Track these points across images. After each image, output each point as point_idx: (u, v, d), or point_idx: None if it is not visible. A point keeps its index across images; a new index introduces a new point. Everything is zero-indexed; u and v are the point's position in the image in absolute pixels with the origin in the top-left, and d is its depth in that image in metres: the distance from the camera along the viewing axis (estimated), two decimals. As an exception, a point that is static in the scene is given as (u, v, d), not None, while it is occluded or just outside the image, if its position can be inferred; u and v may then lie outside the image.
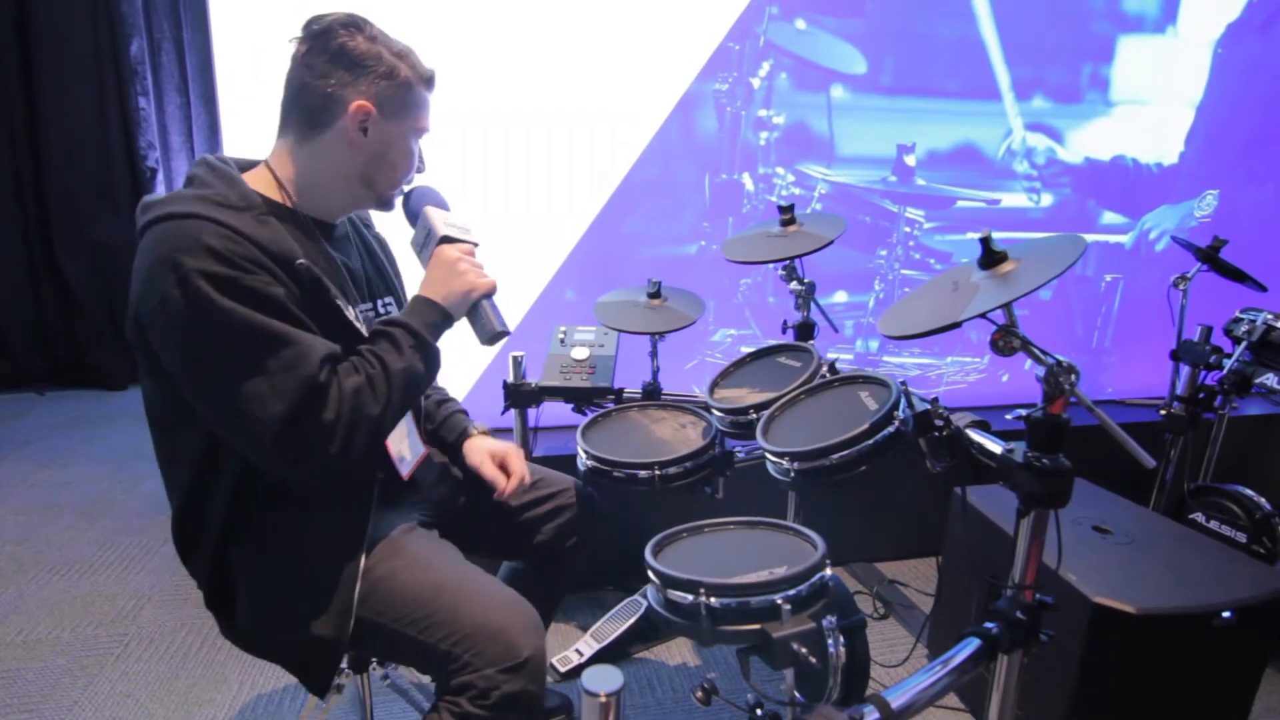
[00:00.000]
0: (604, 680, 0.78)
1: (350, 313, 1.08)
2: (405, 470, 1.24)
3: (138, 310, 0.97)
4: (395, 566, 1.11)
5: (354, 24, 1.05)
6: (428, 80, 1.12)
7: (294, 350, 0.95)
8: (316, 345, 0.97)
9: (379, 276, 1.26)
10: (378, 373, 1.01)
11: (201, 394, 0.97)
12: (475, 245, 1.15)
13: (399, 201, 1.18)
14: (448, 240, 1.12)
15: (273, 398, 0.93)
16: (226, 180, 1.02)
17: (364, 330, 1.09)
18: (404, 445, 1.24)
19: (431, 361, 1.08)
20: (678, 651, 1.95)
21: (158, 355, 0.98)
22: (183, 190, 1.01)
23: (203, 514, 1.09)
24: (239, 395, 0.93)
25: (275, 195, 1.08)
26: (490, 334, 1.11)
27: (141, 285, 0.95)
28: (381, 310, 1.22)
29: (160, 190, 3.87)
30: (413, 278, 1.24)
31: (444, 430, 1.40)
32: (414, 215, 1.17)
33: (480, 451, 1.35)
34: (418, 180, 1.19)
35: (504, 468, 1.34)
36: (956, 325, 0.92)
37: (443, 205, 1.19)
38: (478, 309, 1.11)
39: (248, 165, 1.11)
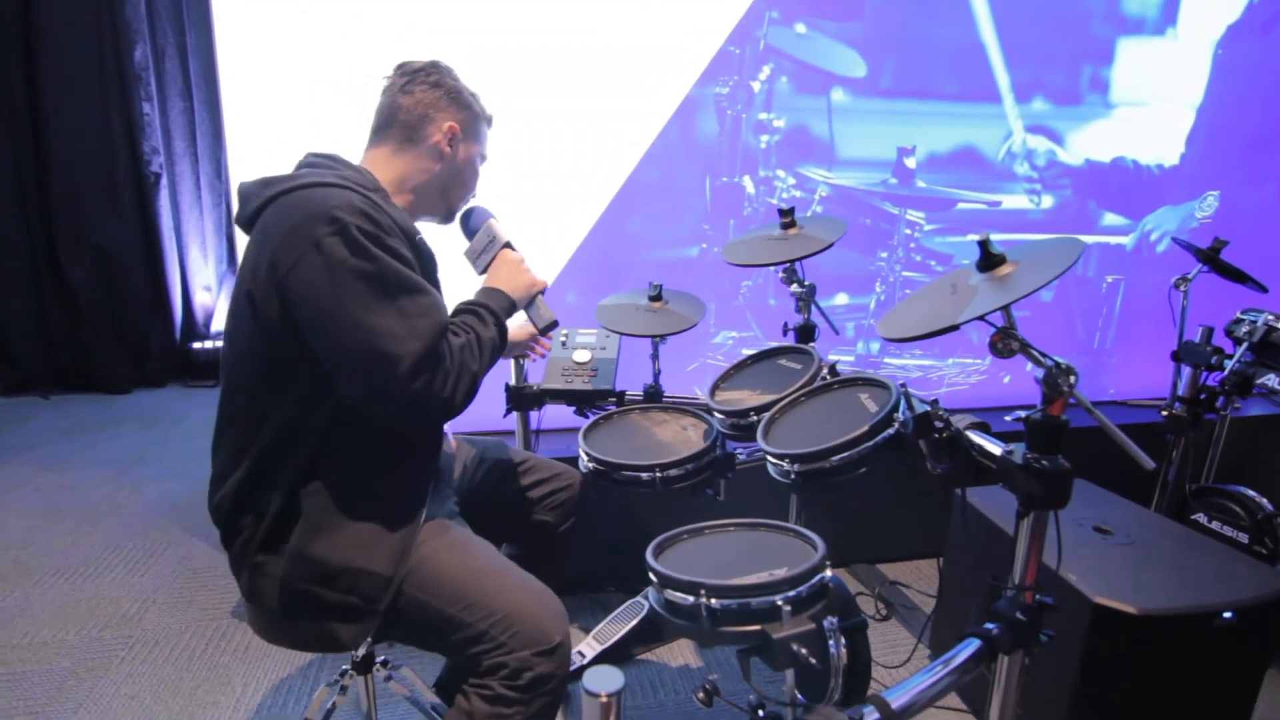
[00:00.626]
0: (604, 681, 0.79)
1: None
2: (449, 438, 1.41)
3: (274, 263, 1.05)
4: (439, 546, 1.19)
5: (443, 68, 1.30)
6: (490, 119, 1.38)
7: (430, 299, 1.10)
8: (435, 300, 1.13)
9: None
10: (473, 338, 1.17)
11: (338, 338, 1.05)
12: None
13: (459, 216, 1.39)
14: (509, 246, 1.34)
15: (410, 337, 1.05)
16: (349, 167, 1.21)
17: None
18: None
19: (504, 338, 1.24)
20: (680, 653, 1.96)
21: (274, 315, 1.07)
22: (307, 170, 1.17)
23: (287, 456, 1.14)
24: (379, 334, 1.04)
25: (392, 212, 1.22)
26: (547, 322, 1.33)
27: (281, 242, 1.05)
28: None
29: (165, 195, 3.89)
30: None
31: None
32: (472, 229, 1.36)
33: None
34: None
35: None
36: (955, 328, 0.93)
37: (489, 217, 1.39)
38: (534, 302, 1.33)
39: (345, 165, 1.25)
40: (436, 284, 1.23)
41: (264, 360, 1.12)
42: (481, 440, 1.59)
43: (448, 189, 1.32)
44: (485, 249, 1.35)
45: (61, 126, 3.72)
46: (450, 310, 1.21)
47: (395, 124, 1.27)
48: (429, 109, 1.26)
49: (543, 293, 1.35)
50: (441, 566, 1.17)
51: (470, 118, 1.31)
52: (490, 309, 1.24)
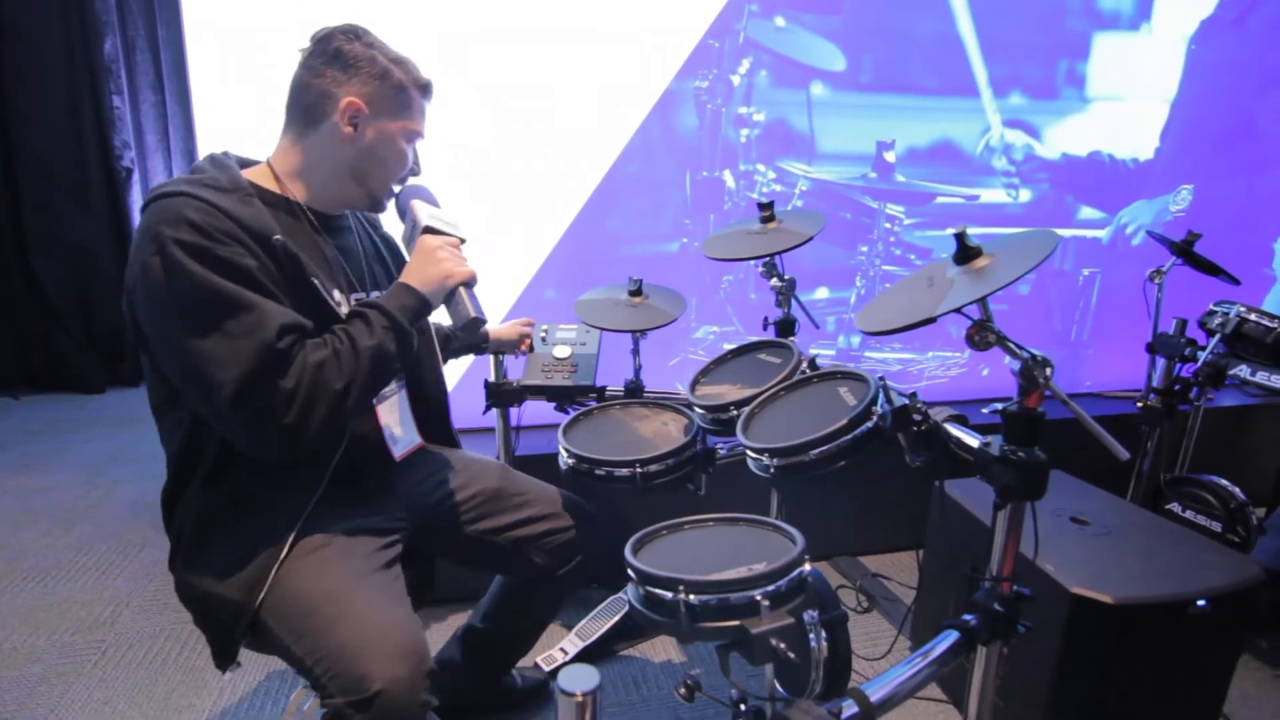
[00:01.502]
0: (580, 680, 0.78)
1: (332, 294, 1.13)
2: (398, 451, 1.27)
3: (127, 284, 1.03)
4: (301, 567, 1.09)
5: (352, 31, 1.14)
6: (423, 87, 1.19)
7: (254, 316, 0.98)
8: (276, 313, 1.00)
9: (382, 271, 1.32)
10: (345, 349, 1.04)
11: (168, 357, 1.02)
12: (462, 240, 1.19)
13: (391, 204, 1.25)
14: (430, 231, 1.16)
15: (231, 361, 0.96)
16: (220, 167, 1.11)
17: (343, 312, 1.14)
18: (396, 424, 1.28)
19: (404, 343, 1.09)
20: (662, 649, 1.95)
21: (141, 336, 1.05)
22: (180, 176, 1.10)
23: (188, 471, 1.12)
24: (200, 357, 0.97)
25: (272, 186, 1.16)
26: (463, 319, 1.13)
27: (130, 260, 1.02)
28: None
29: (136, 190, 3.82)
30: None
31: (463, 337, 1.56)
32: (403, 211, 1.22)
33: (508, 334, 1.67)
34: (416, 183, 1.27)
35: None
36: (931, 321, 0.93)
37: (433, 202, 1.23)
38: (454, 296, 1.14)
39: (251, 163, 1.20)
40: (307, 289, 1.08)
41: (155, 376, 1.09)
42: (479, 461, 1.44)
43: (362, 174, 1.17)
44: (410, 236, 1.20)
45: (30, 121, 3.64)
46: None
47: (295, 106, 1.14)
48: (328, 84, 1.11)
49: (469, 284, 1.15)
50: (291, 591, 1.07)
51: (383, 90, 1.13)
52: (384, 310, 1.08)
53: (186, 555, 1.13)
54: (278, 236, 1.05)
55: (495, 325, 1.75)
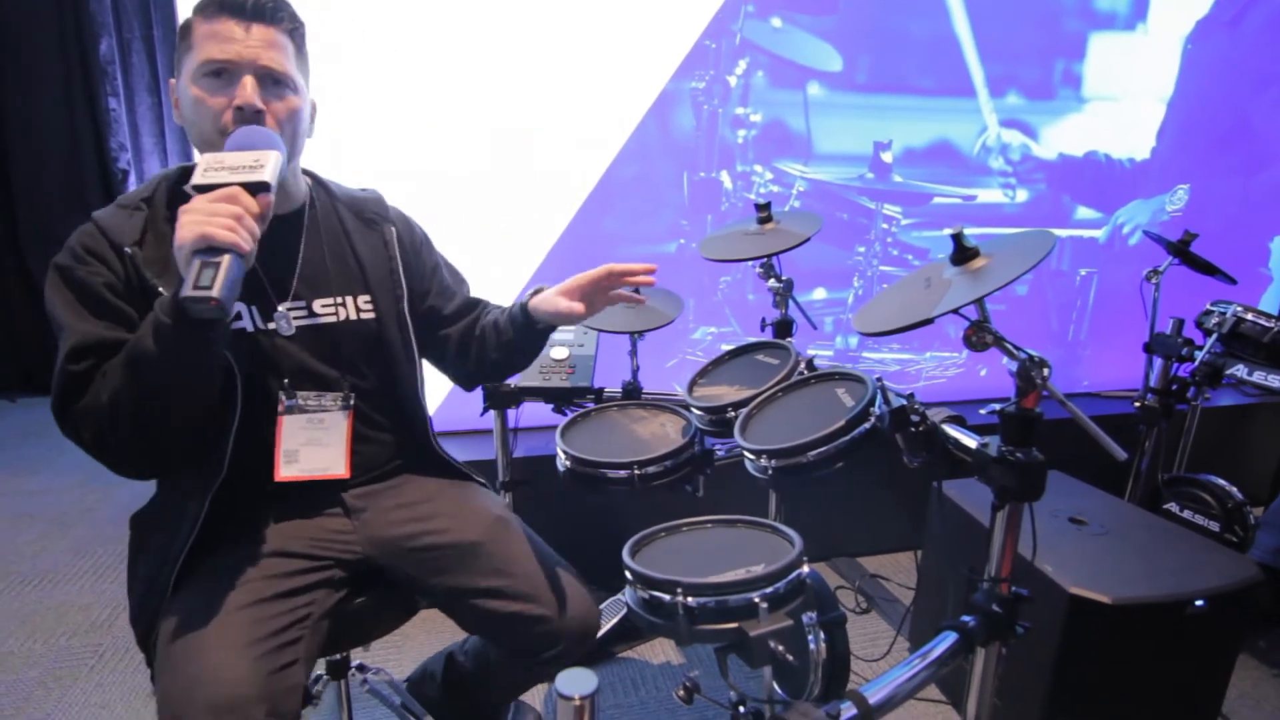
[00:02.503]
0: (578, 683, 0.78)
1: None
2: (285, 472, 1.12)
3: None
4: (181, 592, 1.03)
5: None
6: (207, 6, 0.99)
7: (64, 339, 0.97)
8: (75, 335, 0.96)
9: (341, 273, 1.17)
10: (118, 358, 0.93)
11: None
12: (250, 186, 0.90)
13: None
14: (200, 190, 0.89)
15: (54, 379, 0.97)
16: (148, 181, 1.09)
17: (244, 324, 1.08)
18: (306, 447, 1.13)
19: (161, 337, 0.89)
20: (661, 651, 1.95)
21: None
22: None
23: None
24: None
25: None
26: (187, 295, 0.83)
27: None
28: (318, 310, 1.14)
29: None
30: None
31: (510, 326, 1.24)
32: None
33: (549, 300, 1.19)
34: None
35: (580, 291, 1.18)
36: (929, 322, 0.93)
37: (252, 146, 0.94)
38: (191, 266, 0.84)
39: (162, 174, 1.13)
40: (151, 297, 0.97)
41: None
42: (471, 507, 1.23)
43: (196, 145, 1.03)
44: None
45: (25, 123, 3.63)
46: None
47: None
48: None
49: (210, 252, 0.84)
50: (170, 618, 1.00)
51: (179, 49, 1.02)
52: (155, 306, 0.91)
53: (128, 582, 1.11)
54: (128, 248, 1.00)
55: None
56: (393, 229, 1.24)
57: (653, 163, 2.26)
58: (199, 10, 1.00)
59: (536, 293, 1.25)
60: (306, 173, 1.21)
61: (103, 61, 3.63)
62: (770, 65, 2.26)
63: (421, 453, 1.28)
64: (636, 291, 1.27)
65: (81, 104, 3.66)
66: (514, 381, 1.79)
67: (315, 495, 1.16)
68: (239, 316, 1.08)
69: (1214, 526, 2.05)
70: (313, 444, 1.14)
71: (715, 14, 2.18)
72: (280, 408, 1.12)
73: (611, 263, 1.17)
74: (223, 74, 0.99)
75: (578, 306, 1.17)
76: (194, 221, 0.85)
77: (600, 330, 1.73)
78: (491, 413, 1.85)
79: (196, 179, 0.89)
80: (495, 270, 2.19)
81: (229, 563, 1.06)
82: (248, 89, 0.98)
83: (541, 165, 2.17)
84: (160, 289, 0.99)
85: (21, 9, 3.50)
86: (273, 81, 1.01)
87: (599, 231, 2.27)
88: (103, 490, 2.79)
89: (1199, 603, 1.37)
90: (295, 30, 1.06)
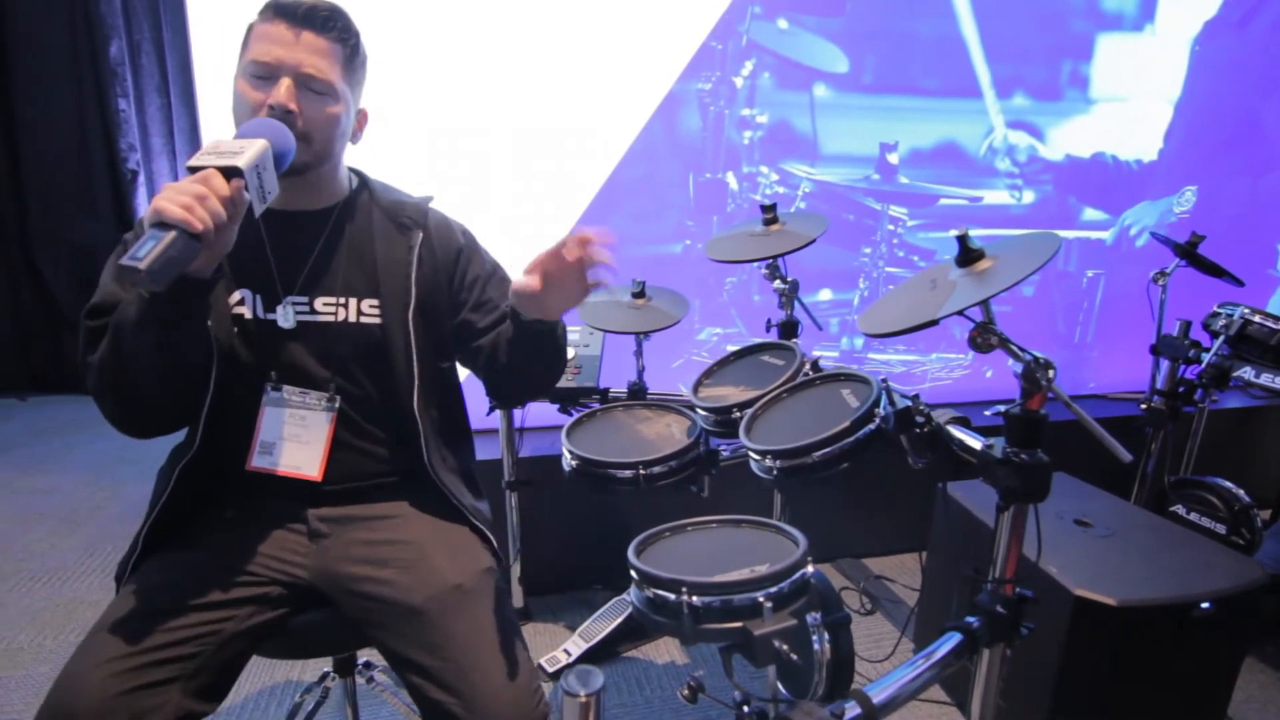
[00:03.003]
0: (584, 680, 0.78)
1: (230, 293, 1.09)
2: (255, 463, 1.11)
3: None
4: (136, 577, 1.05)
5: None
6: (267, 8, 1.04)
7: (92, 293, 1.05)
8: (101, 292, 1.05)
9: (352, 275, 1.15)
10: (110, 320, 1.01)
11: None
12: (227, 170, 0.91)
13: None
14: (190, 171, 0.91)
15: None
16: None
17: (240, 312, 1.11)
18: (281, 441, 1.11)
19: (141, 308, 0.93)
20: (665, 650, 1.96)
21: None
22: None
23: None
24: None
25: None
26: (120, 262, 0.83)
27: None
28: (319, 308, 1.13)
29: (142, 192, 3.84)
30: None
31: (511, 327, 1.17)
32: None
33: (517, 283, 1.10)
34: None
35: (535, 271, 1.09)
36: (934, 323, 0.93)
37: (254, 135, 0.96)
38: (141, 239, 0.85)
39: None
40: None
41: None
42: (436, 569, 1.09)
43: None
44: None
45: (36, 124, 3.66)
46: None
47: None
48: None
49: (163, 227, 0.85)
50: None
51: (242, 47, 1.07)
52: None
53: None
54: None
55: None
56: (419, 235, 1.18)
57: (659, 164, 2.26)
58: (260, 12, 1.05)
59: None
60: (355, 172, 1.22)
61: (113, 63, 3.65)
62: (776, 66, 2.26)
63: (413, 475, 1.17)
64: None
65: (92, 105, 3.69)
66: (520, 381, 1.80)
67: (282, 503, 1.12)
68: (240, 301, 1.10)
69: (1220, 529, 2.04)
70: (291, 440, 1.12)
71: (722, 15, 2.18)
72: (264, 398, 1.12)
73: (567, 238, 1.04)
74: (267, 74, 1.02)
75: (533, 281, 1.07)
76: (161, 197, 0.87)
77: (606, 331, 1.74)
78: (498, 413, 1.86)
79: (191, 160, 0.92)
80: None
81: (172, 556, 1.08)
82: (281, 90, 1.02)
83: (548, 166, 2.18)
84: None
85: (33, 11, 3.53)
86: (311, 87, 1.04)
87: (605, 232, 2.27)
88: (112, 488, 2.81)
89: (1205, 605, 1.37)
90: (347, 40, 1.07)
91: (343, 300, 1.14)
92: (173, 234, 0.85)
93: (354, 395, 1.15)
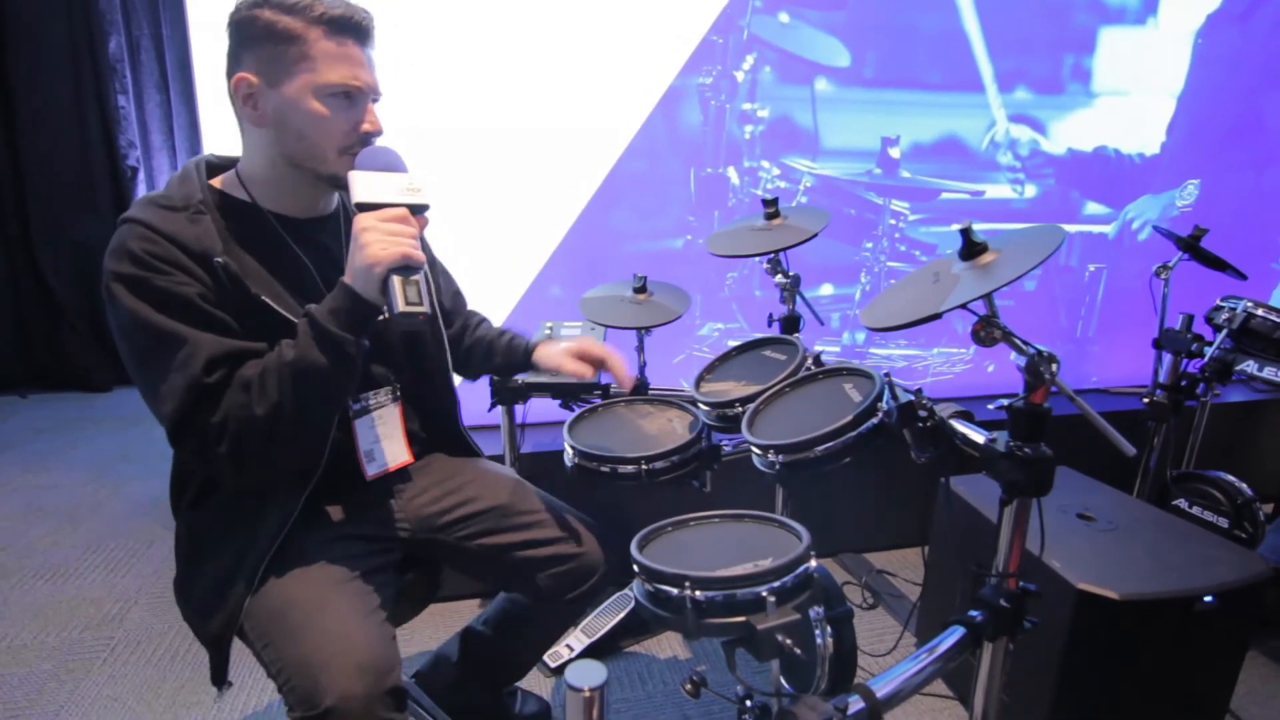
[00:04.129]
0: (587, 675, 0.78)
1: (293, 309, 1.05)
2: (371, 471, 1.21)
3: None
4: (280, 570, 1.07)
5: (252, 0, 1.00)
6: (329, 23, 0.98)
7: (185, 351, 0.95)
8: (206, 345, 0.96)
9: None
10: (270, 369, 0.96)
11: (137, 386, 1.02)
12: (415, 208, 0.98)
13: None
14: (364, 208, 0.96)
15: (167, 397, 0.95)
16: (184, 181, 1.06)
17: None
18: (376, 441, 1.22)
19: (335, 351, 0.95)
20: (668, 645, 1.96)
21: None
22: (147, 194, 1.06)
23: (179, 493, 1.15)
24: (147, 390, 0.98)
25: (239, 193, 1.09)
26: (399, 312, 0.91)
27: None
28: None
29: (142, 189, 3.83)
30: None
31: (506, 357, 1.41)
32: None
33: (554, 356, 1.29)
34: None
35: (588, 360, 1.27)
36: (937, 316, 0.92)
37: (393, 166, 1.01)
38: (388, 287, 0.92)
39: (232, 164, 1.13)
40: (259, 308, 1.01)
41: None
42: (492, 474, 1.35)
43: (292, 155, 1.03)
44: None
45: (35, 121, 3.65)
46: None
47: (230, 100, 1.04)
48: (229, 65, 1.02)
49: (404, 270, 0.93)
50: (267, 595, 1.04)
51: (272, 49, 0.98)
52: (312, 318, 0.96)
53: (178, 580, 1.15)
54: (219, 258, 0.98)
55: (550, 346, 1.39)
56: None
57: (660, 158, 2.26)
58: (319, 22, 0.98)
59: (538, 338, 1.40)
60: None
61: (112, 59, 3.65)
62: (778, 61, 2.25)
63: (446, 433, 1.37)
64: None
65: (91, 101, 3.68)
66: (521, 378, 1.80)
67: (355, 488, 1.21)
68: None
69: (1223, 523, 2.04)
70: (382, 439, 1.22)
71: (723, 9, 2.17)
72: (350, 412, 1.17)
73: (615, 356, 1.30)
74: (351, 96, 1.03)
75: (587, 370, 1.27)
76: (384, 241, 0.93)
77: (607, 326, 1.74)
78: (499, 408, 1.85)
79: (361, 197, 0.95)
80: (502, 265, 2.20)
81: (312, 547, 1.10)
82: (374, 114, 1.05)
83: (549, 161, 2.18)
84: (265, 299, 1.02)
85: (32, 7, 3.52)
86: (374, 101, 1.08)
87: (606, 227, 2.27)
88: (113, 486, 2.81)
89: (1208, 599, 1.37)
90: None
91: None
92: (420, 274, 0.94)
93: (403, 380, 1.26)
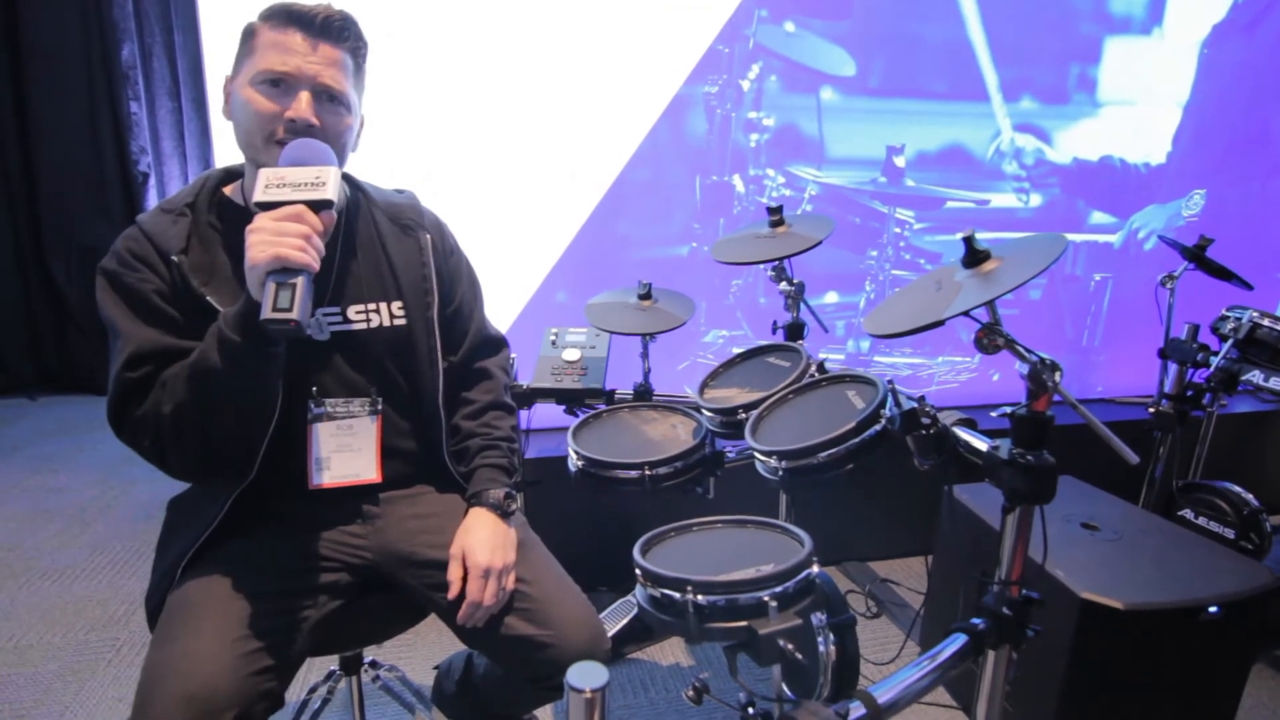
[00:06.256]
0: (589, 676, 0.79)
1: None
2: (316, 479, 1.13)
3: None
4: (199, 576, 1.04)
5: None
6: (278, 14, 1.00)
7: (119, 344, 0.99)
8: (134, 341, 0.99)
9: (375, 280, 1.16)
10: (180, 369, 0.96)
11: None
12: (314, 204, 0.92)
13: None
14: (261, 207, 0.91)
15: (109, 387, 1.00)
16: (193, 185, 1.10)
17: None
18: (335, 454, 1.14)
19: (228, 354, 0.92)
20: (671, 651, 1.96)
21: None
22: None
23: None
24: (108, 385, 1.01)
25: (238, 197, 1.11)
26: (268, 316, 0.85)
27: None
28: (352, 316, 1.14)
29: (153, 195, 3.87)
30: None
31: (467, 480, 1.23)
32: None
33: (461, 538, 1.13)
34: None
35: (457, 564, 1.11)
36: (939, 324, 0.93)
37: (305, 161, 0.96)
38: (264, 290, 0.86)
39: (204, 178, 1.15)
40: (200, 305, 1.00)
41: None
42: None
43: (242, 148, 1.05)
44: None
45: (48, 126, 3.70)
46: None
47: None
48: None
49: (285, 274, 0.87)
50: (178, 593, 1.04)
51: (240, 50, 1.04)
52: (219, 321, 0.94)
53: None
54: (174, 256, 1.01)
55: None
56: (428, 236, 1.22)
57: (666, 166, 2.27)
58: (267, 17, 1.01)
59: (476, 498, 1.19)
60: (345, 177, 1.22)
61: (124, 66, 3.68)
62: (783, 70, 2.26)
63: (437, 464, 1.23)
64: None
65: (104, 108, 3.72)
66: (526, 383, 1.81)
67: (342, 502, 1.15)
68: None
69: (1230, 534, 2.03)
70: (343, 450, 1.15)
71: (729, 19, 2.19)
72: (309, 415, 1.12)
73: (457, 572, 1.11)
74: (281, 84, 1.00)
75: (454, 574, 1.11)
76: (265, 242, 0.87)
77: (612, 333, 1.75)
78: (504, 413, 1.86)
79: (259, 196, 0.90)
80: (508, 271, 2.21)
81: (246, 548, 1.08)
82: (303, 103, 1.00)
83: (555, 168, 2.19)
84: (208, 298, 1.01)
85: (46, 16, 3.57)
86: (328, 99, 1.03)
87: (612, 234, 2.28)
88: (121, 488, 2.83)
89: (1213, 610, 1.36)
90: (358, 50, 1.08)
91: (374, 306, 1.16)
92: (302, 278, 0.87)
93: (391, 397, 1.18)
